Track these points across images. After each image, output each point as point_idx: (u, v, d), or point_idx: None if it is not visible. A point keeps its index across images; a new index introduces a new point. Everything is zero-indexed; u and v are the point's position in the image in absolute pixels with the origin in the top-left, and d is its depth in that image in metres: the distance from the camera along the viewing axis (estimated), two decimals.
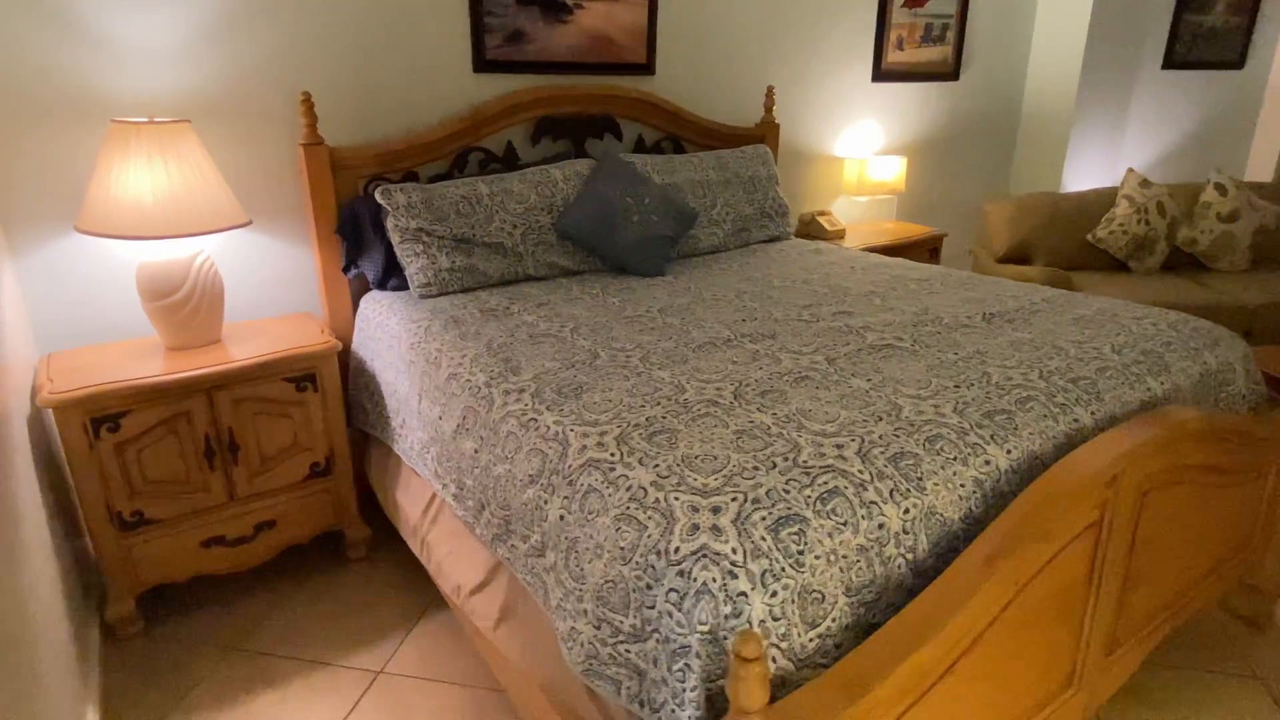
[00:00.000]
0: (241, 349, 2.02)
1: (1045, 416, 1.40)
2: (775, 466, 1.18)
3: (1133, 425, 1.39)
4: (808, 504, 1.11)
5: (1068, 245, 3.62)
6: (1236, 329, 3.22)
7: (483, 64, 2.52)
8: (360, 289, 2.41)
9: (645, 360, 1.63)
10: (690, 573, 1.02)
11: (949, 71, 3.82)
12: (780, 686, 1.01)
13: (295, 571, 2.23)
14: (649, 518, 1.11)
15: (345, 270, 2.32)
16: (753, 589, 1.01)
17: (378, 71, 2.34)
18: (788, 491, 1.12)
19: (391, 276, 2.29)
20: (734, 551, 1.03)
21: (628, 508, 1.14)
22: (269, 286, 2.33)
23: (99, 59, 1.95)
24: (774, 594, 1.02)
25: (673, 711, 1.01)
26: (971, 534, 1.23)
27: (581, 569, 1.19)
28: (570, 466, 1.27)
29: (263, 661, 1.90)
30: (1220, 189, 3.59)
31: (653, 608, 1.06)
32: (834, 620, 1.07)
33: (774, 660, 1.01)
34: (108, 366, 1.90)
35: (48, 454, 1.89)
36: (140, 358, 1.96)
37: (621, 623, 1.11)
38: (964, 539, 1.22)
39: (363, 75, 2.32)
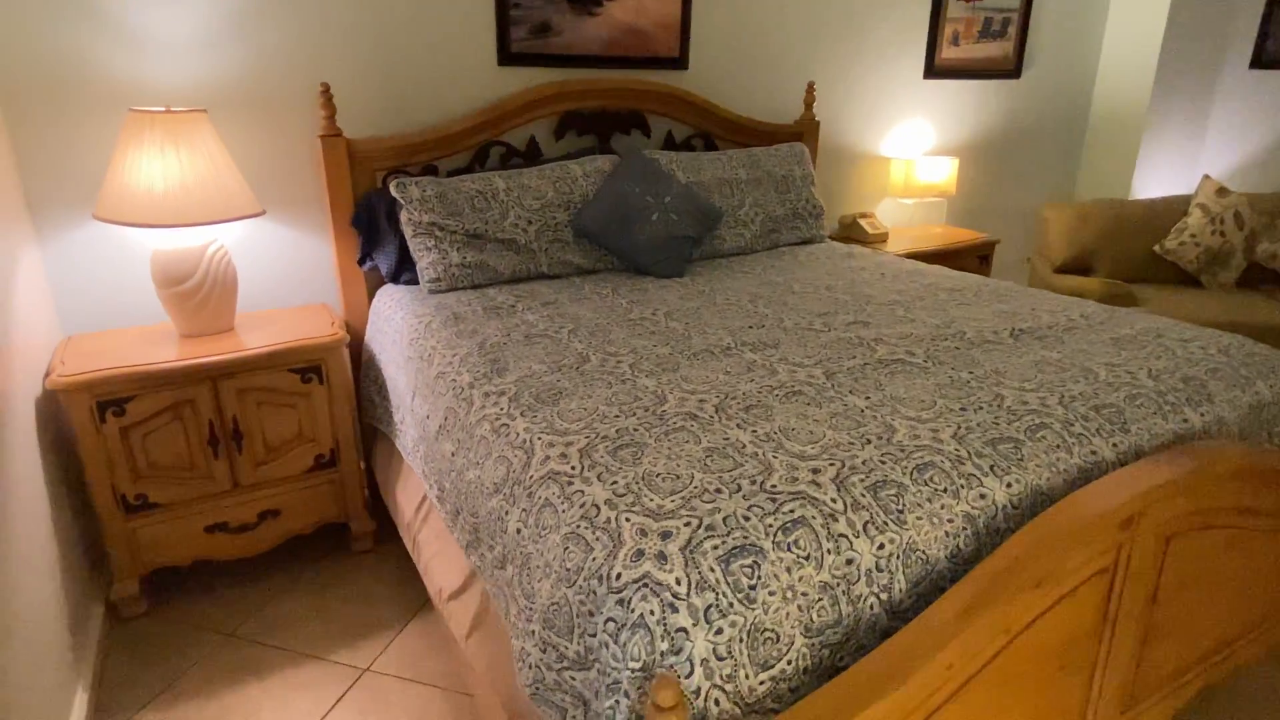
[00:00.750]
0: (252, 338, 2.04)
1: (1058, 447, 1.27)
2: (739, 490, 1.09)
3: (1158, 460, 1.25)
4: (767, 534, 1.02)
5: (1133, 256, 3.38)
6: None
7: (507, 57, 2.48)
8: (377, 282, 2.41)
9: (635, 367, 1.56)
10: (629, 602, 0.95)
11: (1010, 69, 3.61)
12: None
13: (299, 561, 2.24)
14: (597, 538, 1.04)
15: (360, 263, 2.31)
16: (694, 625, 0.93)
17: (400, 64, 2.33)
18: (747, 519, 1.04)
19: (404, 270, 2.28)
20: (678, 582, 0.95)
21: (578, 526, 1.08)
22: (288, 277, 2.35)
23: (125, 49, 1.98)
24: (719, 631, 0.93)
25: None
26: (959, 574, 1.12)
27: (532, 587, 1.13)
28: (531, 477, 1.22)
29: (254, 651, 1.90)
30: None
31: (594, 636, 0.99)
32: (790, 663, 0.98)
33: (717, 703, 0.93)
34: (120, 351, 1.93)
35: (61, 435, 1.93)
36: (154, 343, 1.99)
37: (566, 648, 1.04)
38: (951, 579, 1.11)
39: (385, 67, 2.31)
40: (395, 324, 2.06)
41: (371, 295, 2.37)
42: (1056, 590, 1.10)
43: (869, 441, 1.23)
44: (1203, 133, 3.95)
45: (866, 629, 1.05)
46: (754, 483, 1.11)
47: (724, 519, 1.03)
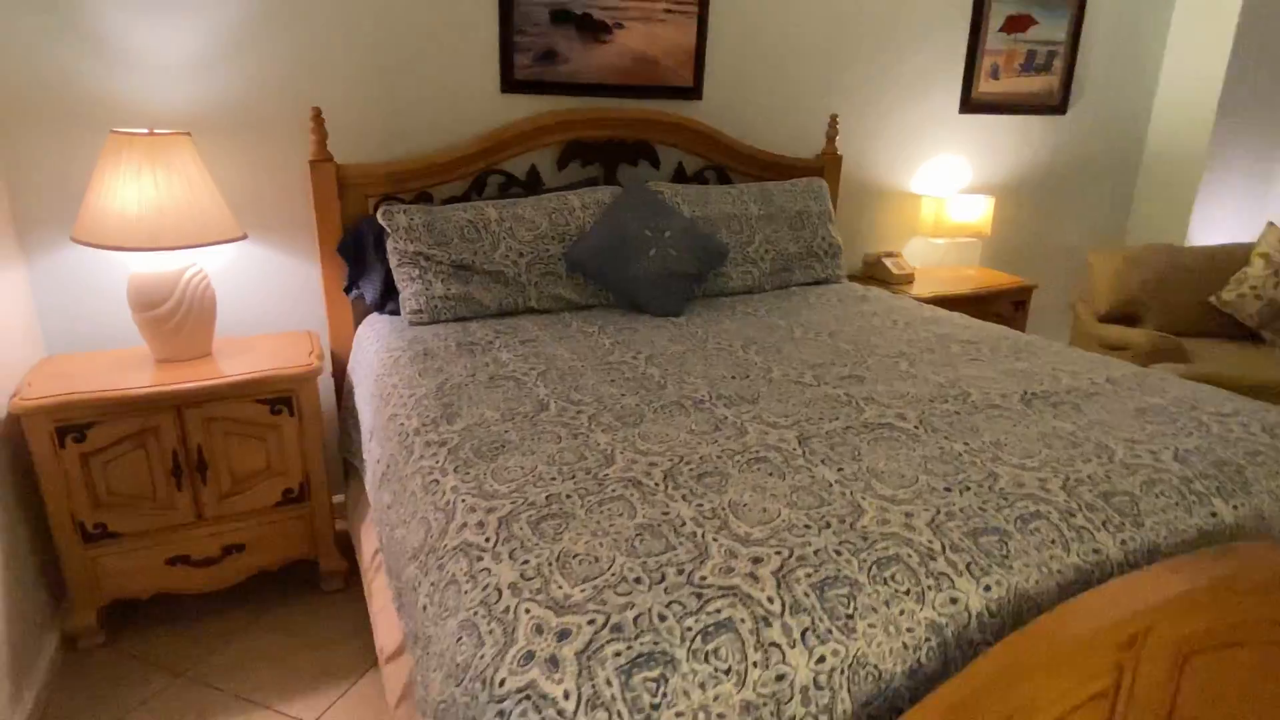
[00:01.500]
0: (229, 364, 1.97)
1: (1052, 543, 1.09)
2: (663, 580, 0.95)
3: (1175, 565, 1.06)
4: (684, 640, 0.87)
5: (1185, 307, 3.12)
6: None
7: (511, 84, 2.40)
8: (365, 310, 2.34)
9: (594, 419, 1.43)
10: (509, 715, 0.82)
11: (1055, 104, 3.41)
12: None
13: (266, 598, 2.16)
14: (490, 631, 0.91)
15: (346, 290, 2.24)
16: None
17: (399, 89, 2.27)
18: (663, 619, 0.89)
19: (390, 300, 2.20)
20: (565, 696, 0.81)
21: (475, 613, 0.95)
22: (277, 302, 2.29)
23: (118, 70, 1.96)
24: None
25: None
26: (919, 693, 0.95)
27: (428, 676, 1.00)
28: (445, 546, 1.09)
29: (203, 695, 1.81)
30: None
31: None
32: None
33: None
34: (89, 375, 1.88)
35: (23, 458, 1.89)
36: (126, 368, 1.94)
37: None
38: (911, 699, 0.95)
39: (383, 92, 2.26)
40: (369, 356, 1.98)
41: (359, 323, 2.30)
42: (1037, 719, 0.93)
43: (828, 525, 1.08)
44: (1270, 174, 3.66)
45: None
46: (681, 572, 0.97)
47: (635, 618, 0.89)
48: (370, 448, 1.69)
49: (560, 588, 0.94)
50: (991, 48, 3.16)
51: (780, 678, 0.88)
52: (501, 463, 1.26)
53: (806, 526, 1.07)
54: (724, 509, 1.11)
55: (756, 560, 0.99)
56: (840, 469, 1.25)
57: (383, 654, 1.50)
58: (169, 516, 1.94)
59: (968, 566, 1.03)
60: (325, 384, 2.39)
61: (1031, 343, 1.99)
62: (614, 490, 1.16)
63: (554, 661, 0.84)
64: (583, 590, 0.94)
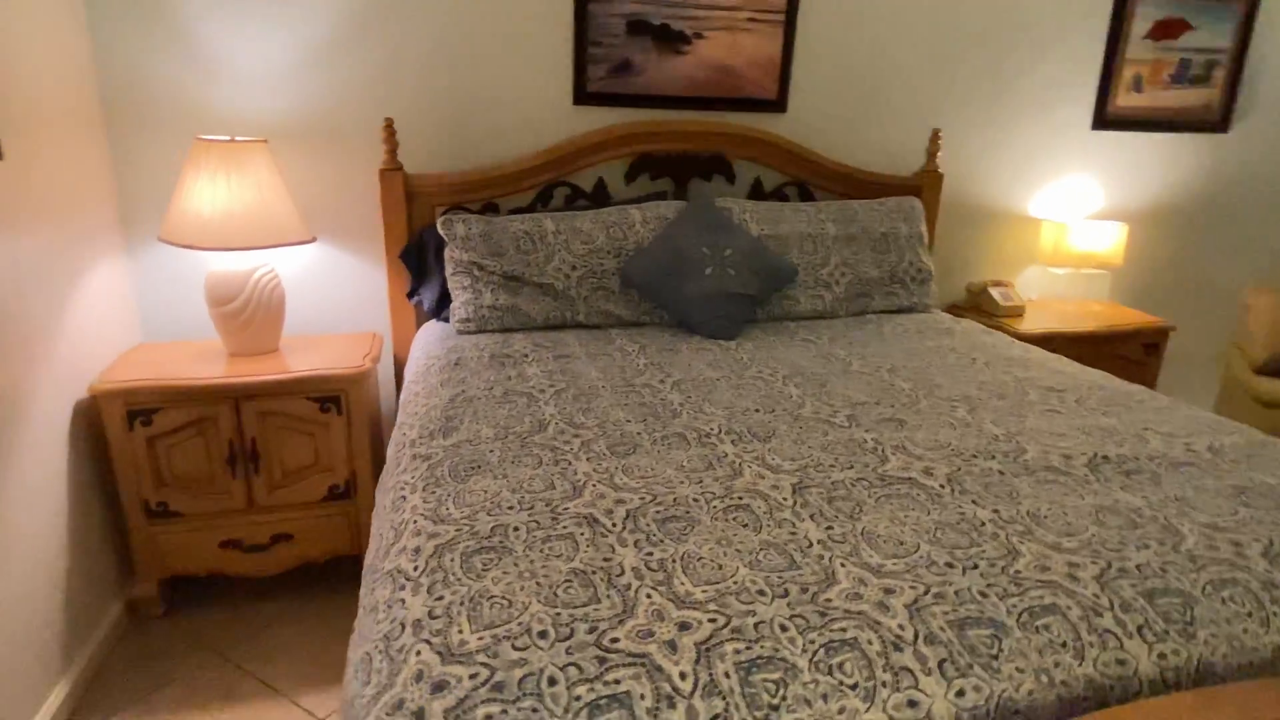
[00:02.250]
0: (293, 360, 2.07)
1: (1063, 646, 0.90)
2: (569, 638, 0.86)
3: (1229, 691, 0.84)
4: (569, 710, 0.78)
5: None
6: None
7: (583, 96, 2.38)
8: (426, 317, 2.38)
9: (588, 445, 1.35)
10: None
11: (1214, 120, 2.97)
12: None
13: (312, 588, 2.23)
14: (379, 669, 0.86)
15: (409, 296, 2.30)
16: None
17: (472, 101, 2.30)
18: (553, 682, 0.80)
19: (444, 308, 2.23)
20: None
21: (376, 646, 0.90)
22: (349, 304, 2.39)
23: (210, 80, 2.11)
24: None
25: None
26: None
27: (344, 698, 0.96)
28: (380, 569, 1.05)
29: (235, 678, 1.89)
30: None
31: None
32: None
33: None
34: (167, 363, 2.03)
35: (99, 437, 2.05)
36: (202, 359, 2.07)
37: None
38: None
39: (456, 104, 2.30)
40: (414, 362, 2.00)
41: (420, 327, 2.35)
42: None
43: (785, 594, 0.94)
44: None
45: None
46: (593, 630, 0.87)
47: (522, 678, 0.81)
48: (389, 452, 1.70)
49: (459, 634, 0.87)
50: (1134, 56, 2.80)
51: None
52: (471, 485, 1.21)
53: (760, 592, 0.94)
54: (674, 560, 1.00)
55: (683, 627, 0.88)
56: (829, 527, 1.10)
57: None
58: (223, 501, 2.04)
59: (940, 664, 0.86)
60: (388, 385, 2.46)
61: (1132, 396, 1.71)
62: (565, 527, 1.08)
63: (420, 716, 0.77)
64: (480, 638, 0.86)
